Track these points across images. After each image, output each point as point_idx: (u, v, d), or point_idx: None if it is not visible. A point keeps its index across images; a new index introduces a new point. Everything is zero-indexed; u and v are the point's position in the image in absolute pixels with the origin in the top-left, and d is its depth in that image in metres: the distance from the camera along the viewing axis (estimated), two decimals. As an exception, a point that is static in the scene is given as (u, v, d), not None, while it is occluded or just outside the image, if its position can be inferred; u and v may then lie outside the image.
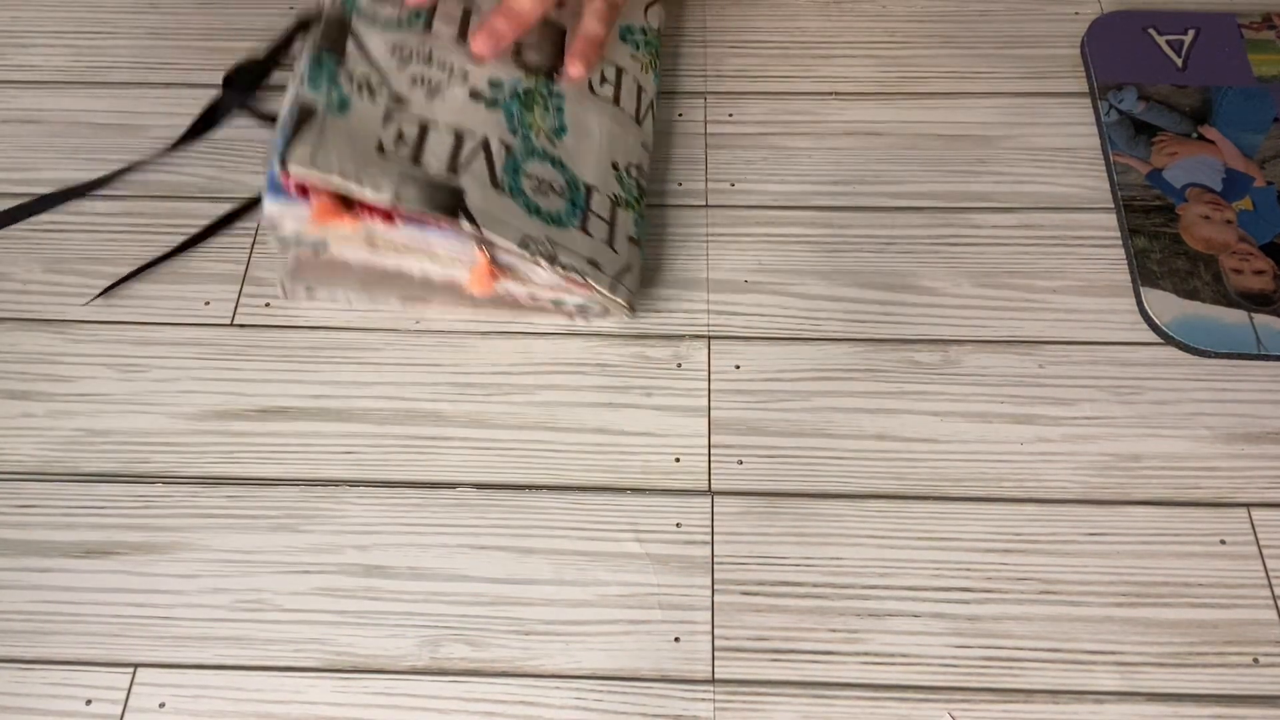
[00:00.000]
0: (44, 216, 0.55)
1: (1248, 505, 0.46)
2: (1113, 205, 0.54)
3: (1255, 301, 0.50)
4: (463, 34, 0.50)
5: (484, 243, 0.45)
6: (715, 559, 0.45)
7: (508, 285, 0.48)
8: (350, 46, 0.48)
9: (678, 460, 0.47)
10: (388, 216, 0.45)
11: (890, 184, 0.55)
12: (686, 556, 0.45)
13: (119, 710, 0.42)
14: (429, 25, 0.50)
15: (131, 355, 0.50)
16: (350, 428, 0.48)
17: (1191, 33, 0.60)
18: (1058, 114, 0.58)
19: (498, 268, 0.47)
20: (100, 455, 0.48)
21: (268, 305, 0.52)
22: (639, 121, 0.53)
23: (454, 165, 0.46)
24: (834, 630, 0.43)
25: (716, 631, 0.43)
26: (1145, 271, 0.51)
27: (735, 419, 0.48)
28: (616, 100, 0.53)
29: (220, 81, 0.57)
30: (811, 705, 0.42)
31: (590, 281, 0.47)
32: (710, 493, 0.46)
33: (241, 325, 0.51)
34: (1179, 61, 0.59)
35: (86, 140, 0.58)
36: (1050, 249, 0.53)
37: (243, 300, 0.52)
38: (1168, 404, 0.48)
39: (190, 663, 0.43)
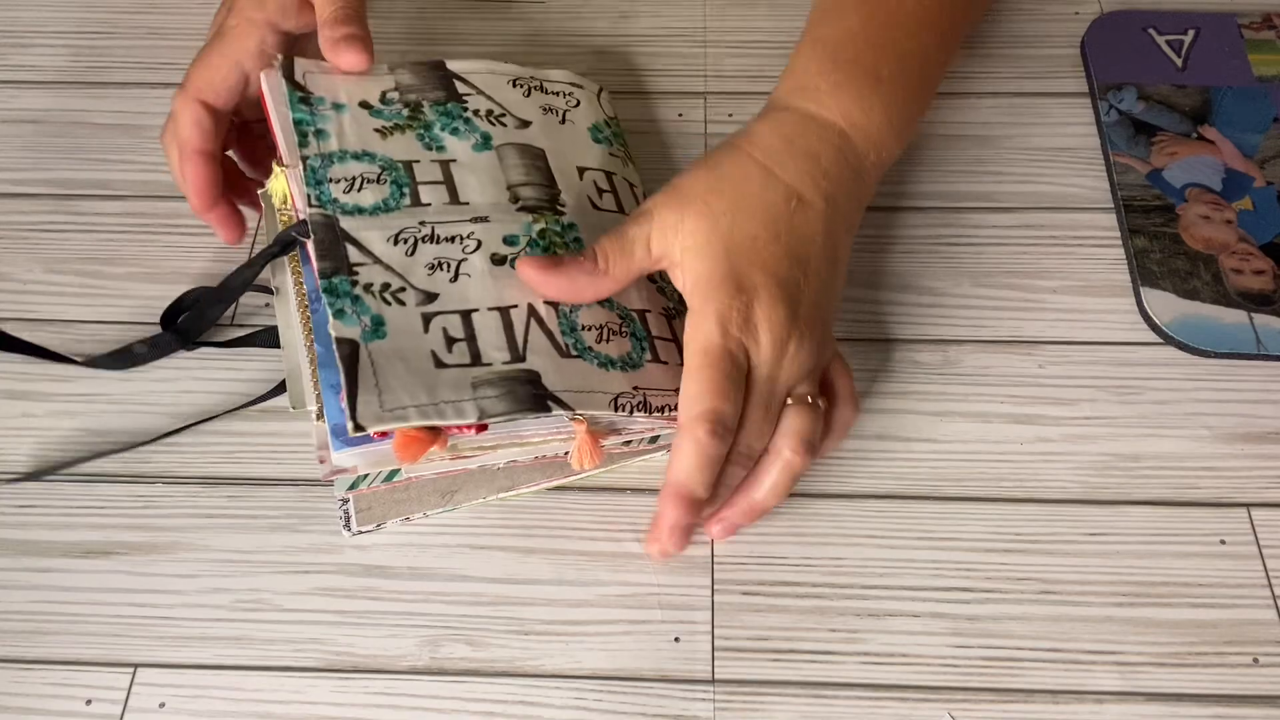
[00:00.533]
0: (44, 216, 0.55)
1: (1248, 505, 0.46)
2: (1113, 205, 0.54)
3: (1255, 301, 0.50)
4: (453, 196, 0.46)
5: (575, 416, 0.42)
6: (715, 559, 0.45)
7: (607, 443, 0.44)
8: (351, 254, 0.43)
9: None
10: (480, 428, 0.41)
11: (890, 184, 0.55)
12: (686, 556, 0.45)
13: (119, 710, 0.42)
14: (416, 198, 0.45)
15: (131, 355, 0.50)
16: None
17: (1191, 33, 0.60)
18: (1058, 114, 0.58)
19: (597, 433, 0.43)
20: (100, 455, 0.48)
21: (267, 305, 0.52)
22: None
23: (515, 351, 0.42)
24: (834, 630, 0.43)
25: (716, 631, 0.43)
26: (1145, 271, 0.51)
27: (735, 419, 0.48)
28: (620, 208, 0.49)
29: (159, 319, 0.50)
30: (811, 705, 0.42)
31: (675, 414, 0.43)
32: (710, 493, 0.46)
33: (241, 325, 0.51)
34: (1179, 61, 0.59)
35: (86, 140, 0.58)
36: (1050, 249, 0.53)
37: (242, 300, 0.52)
38: (1168, 404, 0.48)
39: (190, 663, 0.43)
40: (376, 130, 0.47)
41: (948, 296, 0.52)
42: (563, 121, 0.51)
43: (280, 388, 0.48)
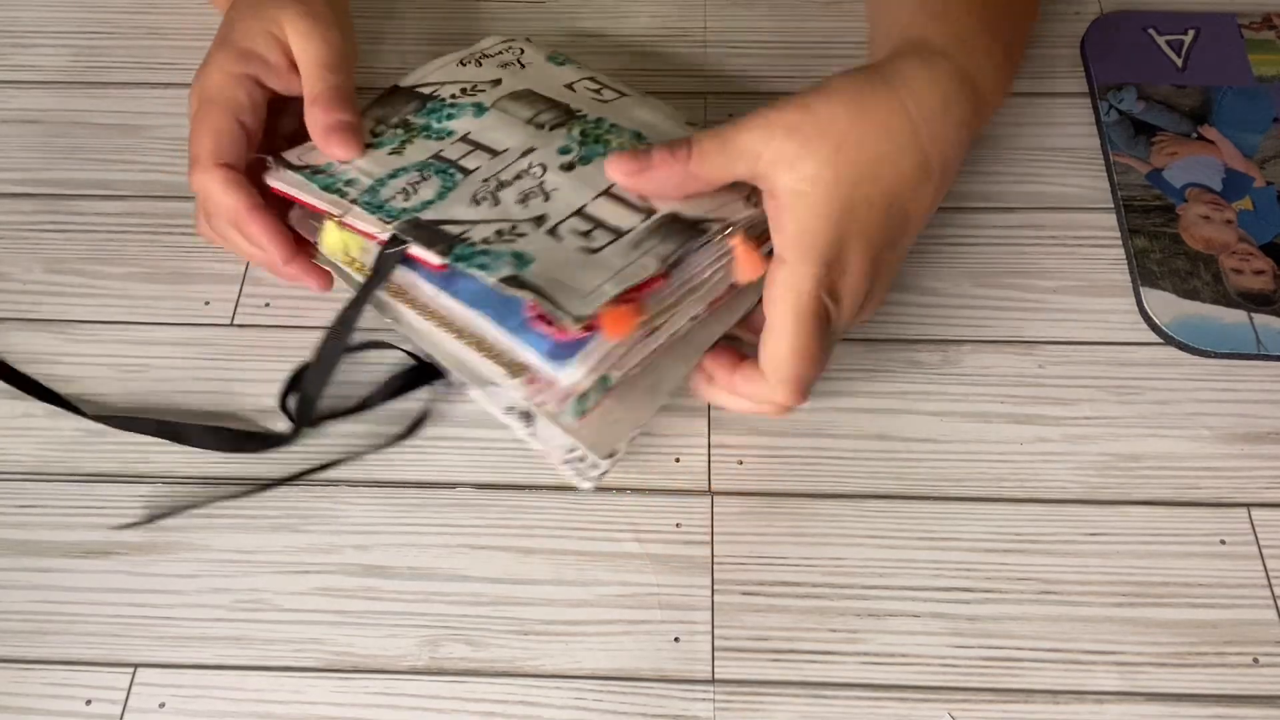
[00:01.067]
0: (44, 216, 0.55)
1: (1248, 505, 0.46)
2: (1112, 205, 0.54)
3: (1255, 301, 0.50)
4: (492, 152, 0.47)
5: (730, 228, 0.43)
6: (715, 559, 0.45)
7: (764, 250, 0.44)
8: (451, 230, 0.43)
9: (678, 460, 0.47)
10: (663, 277, 0.41)
11: (890, 184, 0.55)
12: (686, 556, 0.45)
13: (119, 710, 0.42)
14: (464, 170, 0.47)
15: (131, 355, 0.50)
16: (350, 427, 0.48)
17: (1191, 33, 0.60)
18: (1058, 114, 0.58)
19: (751, 242, 0.43)
20: (100, 455, 0.48)
21: (267, 305, 0.52)
22: (643, 93, 0.53)
23: (642, 210, 0.43)
24: (834, 630, 0.43)
25: (716, 631, 0.43)
26: (1145, 271, 0.51)
27: (735, 419, 0.48)
28: (622, 93, 0.52)
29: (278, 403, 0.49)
30: (811, 705, 0.42)
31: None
32: (710, 493, 0.46)
33: (241, 325, 0.51)
34: (1179, 61, 0.59)
35: (86, 140, 0.58)
36: (1050, 249, 0.53)
37: (243, 300, 0.52)
38: (1168, 404, 0.48)
39: (190, 663, 0.43)
40: (390, 154, 0.48)
41: (948, 296, 0.52)
42: (522, 67, 0.53)
43: (400, 387, 0.49)
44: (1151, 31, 0.60)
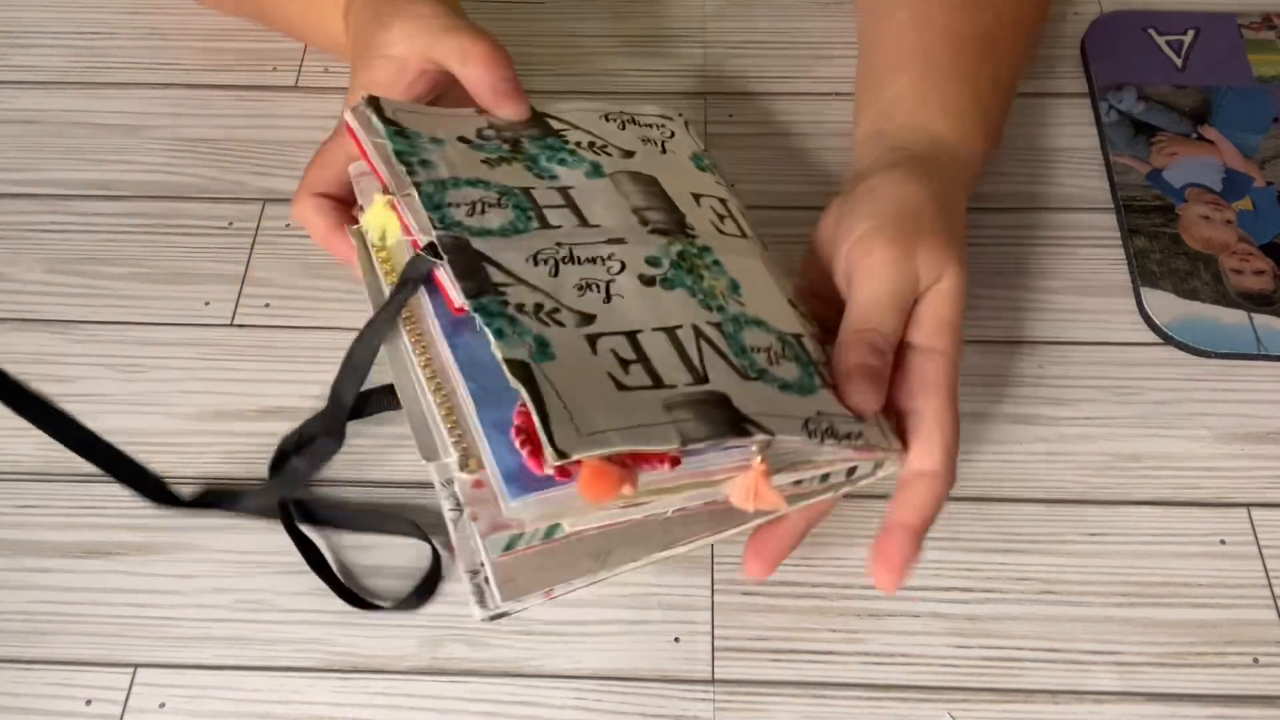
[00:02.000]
0: (44, 217, 0.55)
1: (1248, 505, 0.46)
2: (1112, 205, 0.54)
3: (1255, 301, 0.50)
4: (581, 219, 0.41)
5: (760, 446, 0.35)
6: (715, 559, 0.45)
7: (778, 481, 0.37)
8: (493, 274, 0.37)
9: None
10: (673, 461, 0.34)
11: (890, 184, 0.55)
12: (686, 556, 0.45)
13: (119, 710, 0.42)
14: (544, 221, 0.41)
15: (131, 355, 0.50)
16: (349, 427, 0.48)
17: (1191, 33, 0.60)
18: (1058, 114, 0.58)
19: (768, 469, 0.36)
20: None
21: (268, 305, 0.52)
22: (764, 245, 0.45)
23: (696, 372, 0.36)
24: (834, 630, 0.43)
25: (716, 631, 0.43)
26: (1145, 271, 0.51)
27: (735, 419, 0.48)
28: (743, 233, 0.45)
29: (269, 467, 0.46)
30: (811, 705, 0.42)
31: (871, 441, 0.37)
32: (710, 493, 0.46)
33: (241, 325, 0.51)
34: (1179, 62, 0.59)
35: (86, 140, 0.58)
36: (1050, 249, 0.53)
37: (243, 300, 0.52)
38: (1168, 404, 0.48)
39: (190, 663, 0.43)
40: (483, 162, 0.42)
41: (948, 296, 0.52)
42: (663, 151, 0.47)
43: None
44: (1151, 31, 0.60)
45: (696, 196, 0.45)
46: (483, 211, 0.40)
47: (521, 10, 0.63)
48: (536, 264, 0.38)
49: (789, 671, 0.42)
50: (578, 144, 0.45)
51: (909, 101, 0.48)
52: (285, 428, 0.48)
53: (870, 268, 0.40)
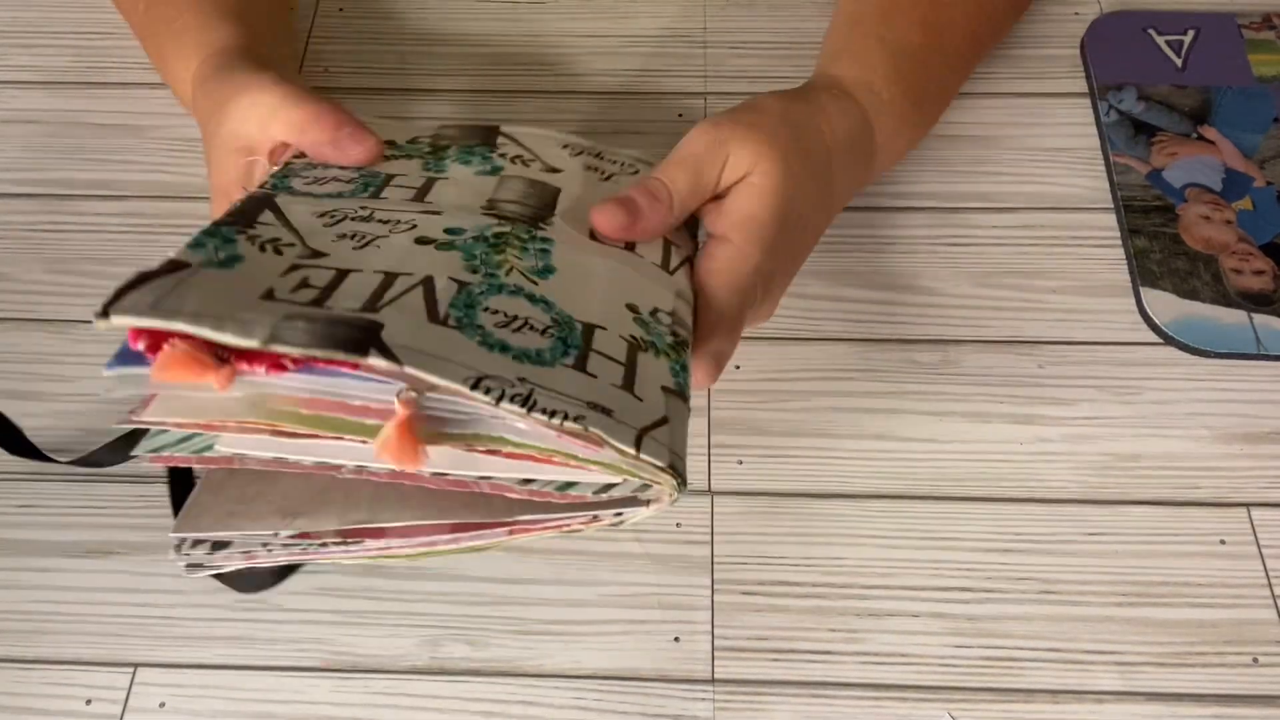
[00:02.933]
0: (44, 217, 0.55)
1: (1248, 505, 0.46)
2: (1112, 205, 0.54)
3: (1255, 301, 0.50)
4: (419, 196, 0.40)
5: (411, 388, 0.31)
6: (715, 559, 0.45)
7: (476, 461, 0.33)
8: (263, 216, 0.36)
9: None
10: (276, 364, 0.31)
11: (890, 184, 0.55)
12: (686, 556, 0.45)
13: (119, 710, 0.42)
14: (375, 194, 0.40)
15: (131, 355, 0.50)
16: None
17: (1191, 33, 0.60)
18: (1057, 114, 0.58)
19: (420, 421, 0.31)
20: (100, 455, 0.48)
21: (268, 305, 0.52)
22: (669, 270, 0.41)
23: (375, 303, 0.33)
24: (834, 630, 0.43)
25: (716, 631, 0.43)
26: (1145, 271, 0.51)
27: (735, 419, 0.48)
28: (631, 248, 0.41)
29: None
30: (811, 705, 0.42)
31: (596, 432, 0.31)
32: (710, 493, 0.46)
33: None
34: (1179, 61, 0.59)
35: (86, 140, 0.58)
36: (1050, 249, 0.53)
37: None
38: (1168, 404, 0.48)
39: (190, 663, 0.43)
40: (384, 156, 0.43)
41: (948, 296, 0.52)
42: (605, 179, 0.45)
43: None
44: (1151, 31, 0.60)
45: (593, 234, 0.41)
46: (323, 183, 0.40)
47: (521, 10, 0.63)
48: (320, 217, 0.37)
49: (789, 671, 0.42)
50: (502, 154, 0.44)
51: (827, 57, 0.50)
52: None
53: (682, 141, 0.41)
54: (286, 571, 0.44)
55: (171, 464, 0.36)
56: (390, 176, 0.41)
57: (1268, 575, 0.44)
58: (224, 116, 0.43)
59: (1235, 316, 0.50)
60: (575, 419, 0.31)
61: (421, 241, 0.37)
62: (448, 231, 0.38)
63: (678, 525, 0.46)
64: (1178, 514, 0.46)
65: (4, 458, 0.48)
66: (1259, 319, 0.50)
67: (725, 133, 0.41)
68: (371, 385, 0.31)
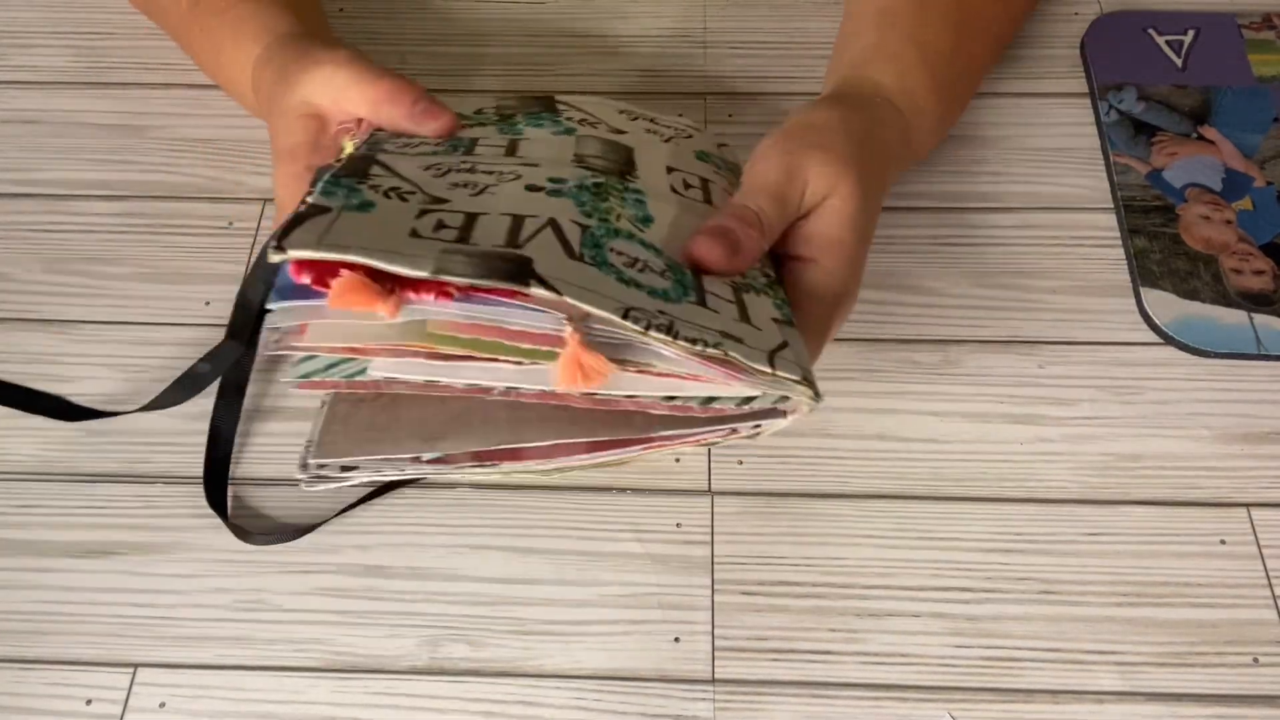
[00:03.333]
0: (44, 217, 0.55)
1: (1248, 505, 0.46)
2: (1112, 205, 0.54)
3: (1255, 301, 0.50)
4: (510, 151, 0.42)
5: (571, 318, 0.33)
6: (715, 559, 0.45)
7: (623, 381, 0.35)
8: (374, 170, 0.38)
9: (678, 460, 0.47)
10: (443, 293, 0.33)
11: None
12: (686, 556, 0.45)
13: (119, 710, 0.42)
14: (469, 151, 0.41)
15: (131, 355, 0.50)
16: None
17: (1191, 33, 0.60)
18: (1057, 114, 0.58)
19: (601, 357, 0.34)
20: (100, 455, 0.48)
21: (268, 305, 0.52)
22: None
23: (515, 240, 0.35)
24: (834, 630, 0.43)
25: (716, 631, 0.43)
26: (1145, 271, 0.51)
27: (735, 419, 0.48)
28: (708, 200, 0.43)
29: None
30: (811, 705, 0.42)
31: (735, 356, 0.34)
32: (710, 493, 0.46)
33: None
34: (1179, 61, 0.59)
35: (86, 140, 0.58)
36: (1050, 249, 0.53)
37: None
38: (1168, 404, 0.48)
39: (190, 663, 0.43)
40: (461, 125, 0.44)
41: (948, 296, 0.52)
42: (664, 141, 0.46)
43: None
44: (1151, 31, 0.60)
45: (670, 169, 0.44)
46: (414, 147, 0.41)
47: (521, 10, 0.63)
48: (427, 170, 0.39)
49: (789, 671, 0.42)
50: (569, 119, 0.46)
51: (863, 57, 0.50)
52: (285, 427, 0.48)
53: (757, 166, 0.42)
54: (306, 530, 0.45)
55: (321, 388, 0.37)
56: (474, 140, 0.43)
57: (1268, 575, 0.44)
58: (295, 84, 0.44)
59: (1235, 316, 0.50)
60: (715, 345, 0.34)
61: (532, 189, 0.39)
62: (551, 181, 0.39)
63: (678, 525, 0.46)
64: (1178, 514, 0.46)
65: (4, 457, 0.48)
66: (1259, 319, 0.50)
67: (800, 159, 0.41)
68: (529, 314, 0.34)
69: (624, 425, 0.38)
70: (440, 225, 0.35)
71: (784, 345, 0.36)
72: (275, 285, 0.35)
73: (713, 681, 0.42)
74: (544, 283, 0.33)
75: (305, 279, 0.33)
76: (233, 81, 0.52)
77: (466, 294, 0.33)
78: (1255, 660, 0.42)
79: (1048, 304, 0.51)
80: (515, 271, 0.33)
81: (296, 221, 0.33)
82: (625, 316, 0.33)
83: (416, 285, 0.33)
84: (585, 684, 0.42)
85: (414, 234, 0.34)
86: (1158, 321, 0.50)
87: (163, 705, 0.42)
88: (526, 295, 0.33)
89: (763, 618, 0.44)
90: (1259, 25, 0.60)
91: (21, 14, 0.63)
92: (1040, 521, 0.45)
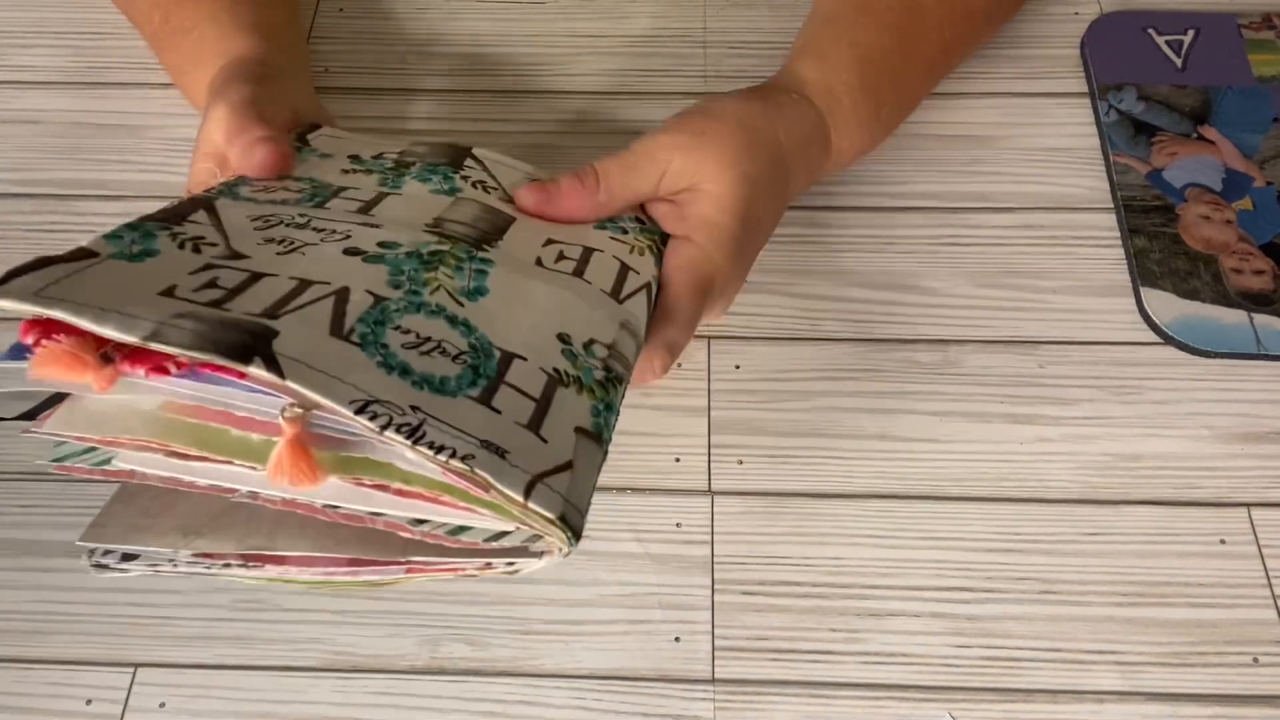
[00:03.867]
0: (44, 217, 0.55)
1: (1248, 505, 0.46)
2: (1112, 205, 0.54)
3: (1255, 301, 0.50)
4: (363, 209, 0.39)
5: (298, 404, 0.29)
6: (715, 559, 0.45)
7: (370, 495, 0.31)
8: (196, 215, 0.35)
9: (678, 460, 0.47)
10: (159, 366, 0.30)
11: (890, 184, 0.55)
12: (686, 556, 0.45)
13: (119, 710, 0.42)
14: (320, 205, 0.39)
15: (131, 355, 0.50)
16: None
17: (1191, 33, 0.60)
18: (1057, 114, 0.58)
19: (310, 458, 0.30)
20: (100, 455, 0.48)
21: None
22: (619, 299, 0.39)
23: (277, 309, 0.31)
24: (834, 630, 0.43)
25: (716, 631, 0.43)
26: (1145, 271, 0.51)
27: (735, 419, 0.48)
28: (579, 274, 0.39)
29: None
30: (811, 705, 0.42)
31: (483, 475, 0.29)
32: (710, 493, 0.46)
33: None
34: (1179, 61, 0.59)
35: (86, 140, 0.58)
36: (1050, 249, 0.53)
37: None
38: (1168, 404, 0.48)
39: (190, 663, 0.43)
40: (344, 171, 0.42)
41: (948, 296, 0.52)
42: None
43: None
44: (1151, 31, 0.60)
45: (551, 241, 0.41)
46: (271, 191, 0.39)
47: (521, 10, 0.63)
48: (254, 220, 0.36)
49: (789, 671, 0.42)
50: (466, 178, 0.43)
51: (796, 53, 0.51)
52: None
53: (635, 141, 0.44)
54: None
55: (74, 476, 0.35)
56: (341, 189, 0.41)
57: (1268, 575, 0.44)
58: (205, 120, 0.44)
59: (1235, 316, 0.50)
60: (463, 458, 0.29)
61: (350, 252, 0.35)
62: (381, 245, 0.36)
63: (678, 525, 0.46)
64: (1178, 514, 0.46)
65: (4, 457, 0.48)
66: (1259, 319, 0.50)
67: (672, 138, 0.43)
68: (258, 397, 0.30)
69: (381, 544, 0.34)
70: (210, 284, 0.31)
71: (564, 467, 0.31)
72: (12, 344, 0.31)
73: (713, 681, 0.42)
74: (271, 361, 0.29)
75: (30, 338, 0.30)
76: (196, 101, 0.52)
77: (192, 370, 0.30)
78: (1255, 660, 0.42)
79: (1048, 304, 0.51)
80: (240, 346, 0.29)
81: (38, 264, 0.30)
82: (361, 411, 0.29)
83: (134, 356, 0.29)
84: (585, 684, 0.42)
85: (169, 291, 0.31)
86: (1158, 321, 0.50)
87: (163, 705, 0.42)
88: (244, 375, 0.29)
89: (763, 618, 0.44)
90: (1259, 25, 0.60)
91: (21, 14, 0.63)
92: (1040, 521, 0.46)
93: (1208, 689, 0.42)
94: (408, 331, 0.32)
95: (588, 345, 0.36)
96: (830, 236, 0.53)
